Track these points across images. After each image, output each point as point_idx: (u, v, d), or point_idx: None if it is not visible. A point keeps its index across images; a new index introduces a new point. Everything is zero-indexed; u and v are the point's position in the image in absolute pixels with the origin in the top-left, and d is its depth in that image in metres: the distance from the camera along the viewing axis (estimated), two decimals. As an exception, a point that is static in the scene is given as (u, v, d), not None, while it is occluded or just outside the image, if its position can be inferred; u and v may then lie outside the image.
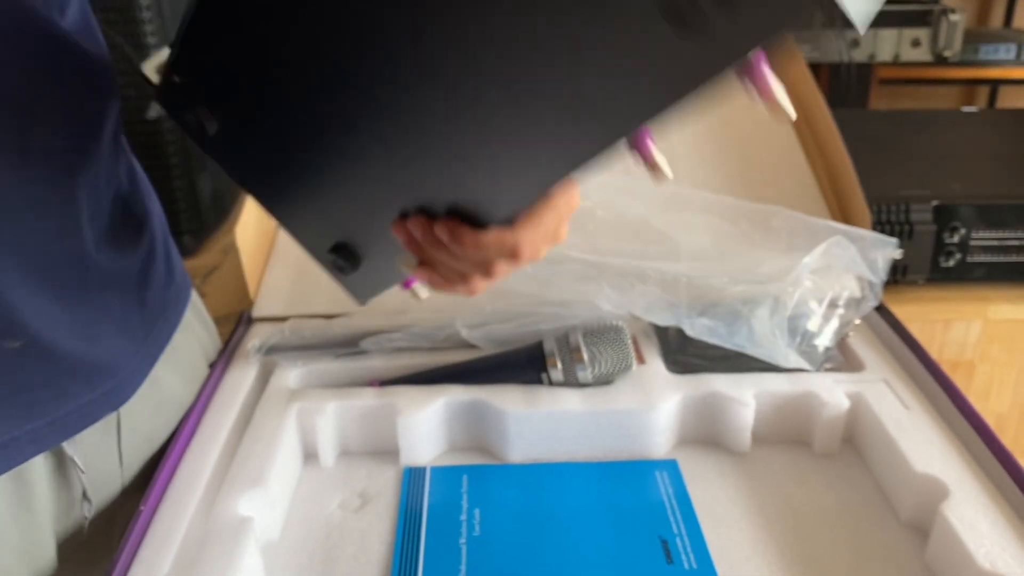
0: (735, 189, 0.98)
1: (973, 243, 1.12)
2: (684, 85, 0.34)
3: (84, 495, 0.57)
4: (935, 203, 1.10)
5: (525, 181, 0.46)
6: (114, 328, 0.58)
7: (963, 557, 0.53)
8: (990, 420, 1.22)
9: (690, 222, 0.89)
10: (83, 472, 0.57)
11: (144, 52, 1.06)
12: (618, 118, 0.39)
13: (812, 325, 0.76)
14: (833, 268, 0.81)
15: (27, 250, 0.50)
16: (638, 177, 0.97)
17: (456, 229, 0.49)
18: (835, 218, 0.96)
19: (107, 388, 0.57)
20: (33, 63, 0.48)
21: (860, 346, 0.79)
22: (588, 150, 0.42)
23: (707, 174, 1.00)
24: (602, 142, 0.41)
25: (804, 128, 1.04)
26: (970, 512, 0.56)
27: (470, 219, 0.49)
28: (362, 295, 0.63)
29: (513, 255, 0.50)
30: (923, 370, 0.73)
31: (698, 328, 0.70)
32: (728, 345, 0.70)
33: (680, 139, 1.05)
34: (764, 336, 0.69)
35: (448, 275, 0.53)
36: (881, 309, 0.83)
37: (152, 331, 0.63)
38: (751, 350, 0.70)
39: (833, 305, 0.80)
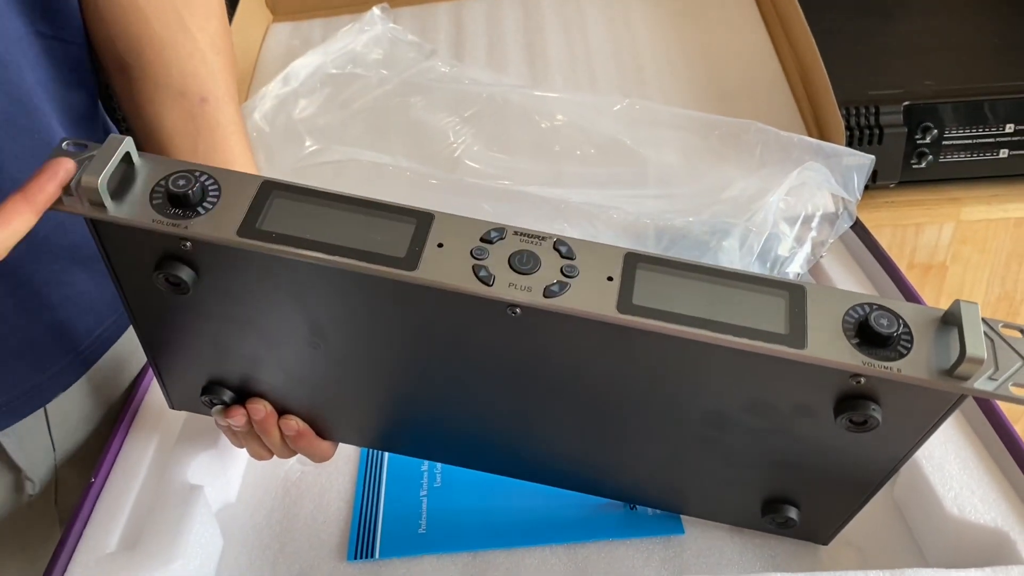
0: (707, 98, 0.93)
1: (946, 142, 1.09)
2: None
3: (25, 476, 0.56)
4: (906, 103, 1.05)
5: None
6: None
7: (931, 501, 0.52)
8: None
9: (659, 138, 0.85)
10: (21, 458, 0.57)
11: None
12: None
13: (783, 250, 0.73)
14: (807, 185, 0.78)
15: None
16: (606, 94, 0.93)
17: (305, 432, 0.53)
18: (808, 127, 0.92)
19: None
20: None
21: (833, 267, 0.77)
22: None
23: (677, 83, 0.95)
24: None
25: (778, 30, 0.99)
26: (939, 451, 0.55)
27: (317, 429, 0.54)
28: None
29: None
30: (898, 293, 0.71)
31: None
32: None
33: (649, 49, 0.99)
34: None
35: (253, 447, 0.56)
36: (856, 226, 0.81)
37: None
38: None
39: (807, 223, 0.77)
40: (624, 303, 0.40)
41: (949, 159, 1.10)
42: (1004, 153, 1.11)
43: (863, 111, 1.03)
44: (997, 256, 1.18)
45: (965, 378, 0.39)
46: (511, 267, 0.40)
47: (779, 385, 0.42)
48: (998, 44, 1.23)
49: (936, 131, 1.08)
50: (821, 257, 0.77)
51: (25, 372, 0.56)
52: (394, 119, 0.87)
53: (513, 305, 0.40)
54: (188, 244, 0.41)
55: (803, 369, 0.40)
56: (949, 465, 0.54)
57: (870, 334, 0.39)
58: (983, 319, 0.40)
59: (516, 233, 0.42)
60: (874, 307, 0.40)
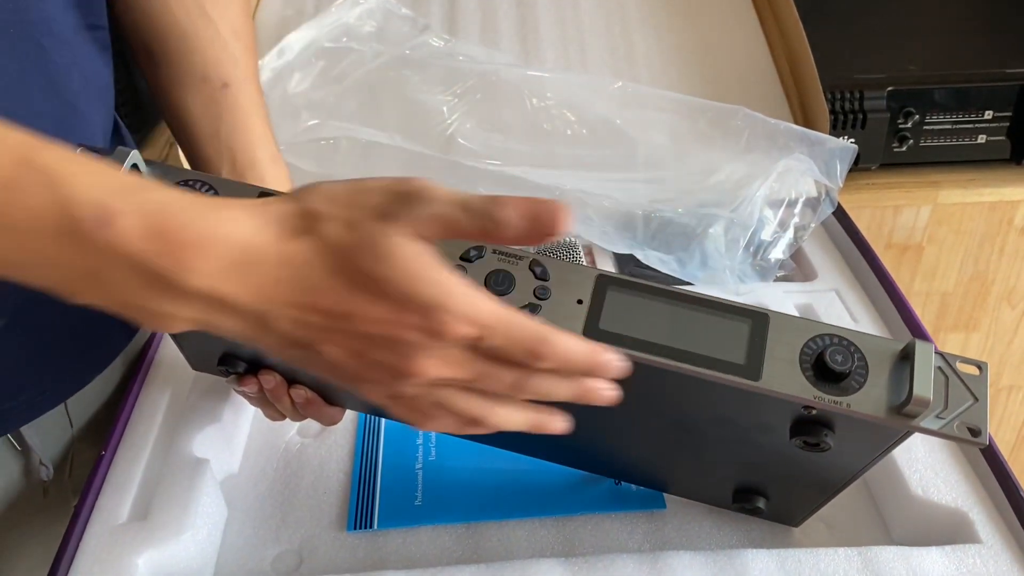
0: (696, 81, 0.95)
1: (926, 127, 1.12)
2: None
3: (41, 462, 0.58)
4: (890, 88, 1.08)
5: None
6: None
7: (897, 481, 0.56)
8: (935, 299, 1.26)
9: (650, 120, 0.87)
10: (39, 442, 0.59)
11: None
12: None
13: (767, 234, 0.76)
14: (791, 172, 0.80)
15: None
16: (598, 75, 0.94)
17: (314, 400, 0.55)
18: (794, 112, 0.94)
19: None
20: None
21: (814, 251, 0.80)
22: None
23: (666, 65, 0.97)
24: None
25: (768, 15, 1.00)
26: (908, 434, 0.58)
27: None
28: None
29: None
30: (874, 279, 0.74)
31: (651, 259, 0.70)
32: (680, 276, 0.70)
33: (640, 30, 1.01)
34: (716, 258, 0.69)
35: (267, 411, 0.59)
36: (837, 211, 0.83)
37: None
38: (702, 278, 0.70)
39: (790, 208, 0.80)
40: (591, 327, 0.42)
41: (929, 143, 1.13)
42: (982, 139, 1.14)
43: (848, 95, 1.06)
44: (972, 238, 1.22)
45: (913, 416, 0.40)
46: (488, 287, 0.43)
47: (739, 406, 0.44)
48: (981, 29, 1.25)
49: (918, 116, 1.10)
50: (802, 241, 0.80)
51: (47, 373, 0.57)
52: (388, 94, 0.89)
53: None
54: None
55: (759, 396, 0.42)
56: (916, 447, 0.57)
57: (824, 369, 0.41)
58: (941, 353, 0.41)
59: (495, 251, 0.44)
60: (833, 341, 0.42)
